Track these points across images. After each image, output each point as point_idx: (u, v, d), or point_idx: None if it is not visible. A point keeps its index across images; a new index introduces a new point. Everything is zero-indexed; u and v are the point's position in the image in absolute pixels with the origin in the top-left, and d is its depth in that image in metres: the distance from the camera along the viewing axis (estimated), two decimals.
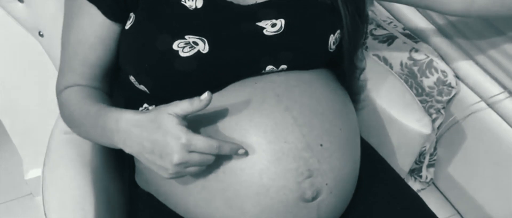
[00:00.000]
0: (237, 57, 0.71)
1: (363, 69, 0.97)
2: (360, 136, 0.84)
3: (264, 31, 0.72)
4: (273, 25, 0.72)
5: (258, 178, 0.68)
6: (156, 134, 0.61)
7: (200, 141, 0.61)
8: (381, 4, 1.52)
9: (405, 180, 1.19)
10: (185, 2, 0.70)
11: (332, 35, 0.76)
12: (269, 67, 0.73)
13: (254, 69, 0.72)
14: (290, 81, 0.73)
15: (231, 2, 0.72)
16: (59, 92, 0.79)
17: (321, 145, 0.70)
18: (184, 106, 0.61)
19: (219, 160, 0.68)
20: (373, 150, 0.94)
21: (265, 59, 0.72)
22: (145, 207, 0.83)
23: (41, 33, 0.88)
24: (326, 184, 0.70)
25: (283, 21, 0.72)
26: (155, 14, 0.69)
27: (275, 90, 0.71)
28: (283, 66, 0.73)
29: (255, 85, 0.71)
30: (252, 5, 0.73)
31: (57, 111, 0.91)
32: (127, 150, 0.65)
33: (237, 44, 0.71)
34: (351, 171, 0.75)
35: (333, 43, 0.77)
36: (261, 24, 0.72)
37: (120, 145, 0.66)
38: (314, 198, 0.70)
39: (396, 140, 0.98)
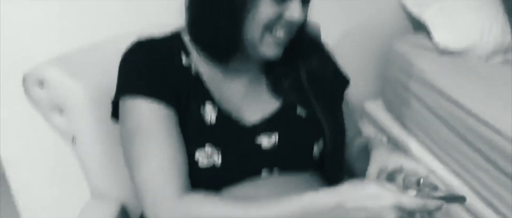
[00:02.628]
0: (241, 167, 0.86)
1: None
2: None
3: (262, 146, 0.88)
4: (269, 139, 0.88)
5: None
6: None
7: (410, 202, 0.72)
8: (368, 119, 1.71)
9: None
10: (205, 116, 0.86)
11: (316, 143, 0.92)
12: (264, 173, 0.88)
13: (253, 175, 0.87)
14: (280, 185, 0.87)
15: (236, 120, 0.89)
16: (172, 203, 0.79)
17: None
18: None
19: None
20: None
21: (262, 167, 0.88)
22: None
23: (74, 139, 1.04)
24: None
25: (276, 135, 0.89)
26: (184, 123, 0.84)
27: (268, 192, 0.85)
28: (276, 172, 0.89)
29: (253, 188, 0.86)
30: (252, 124, 0.90)
31: (75, 212, 1.03)
32: None
33: (242, 158, 0.87)
34: None
35: (318, 150, 0.92)
36: (259, 139, 0.88)
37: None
38: None
39: None
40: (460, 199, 0.81)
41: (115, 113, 0.90)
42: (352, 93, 1.66)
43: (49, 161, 1.39)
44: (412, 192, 0.76)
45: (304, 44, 0.95)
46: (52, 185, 1.44)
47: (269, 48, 0.86)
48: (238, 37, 0.84)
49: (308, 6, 0.87)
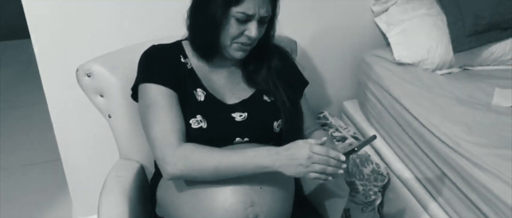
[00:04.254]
0: (220, 132, 1.22)
1: None
2: (301, 191, 1.31)
3: (235, 119, 1.24)
4: (241, 115, 1.24)
5: (222, 203, 1.14)
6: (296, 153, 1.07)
7: (317, 147, 1.06)
8: (346, 116, 2.06)
9: None
10: (197, 97, 1.23)
11: (275, 121, 1.26)
12: (237, 139, 1.23)
13: (229, 140, 1.23)
14: None
15: (219, 100, 1.25)
16: (174, 149, 1.12)
17: (260, 188, 1.17)
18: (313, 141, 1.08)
19: (203, 190, 1.17)
20: (309, 202, 1.42)
21: (235, 134, 1.23)
22: None
23: (110, 115, 1.43)
24: (262, 212, 1.15)
25: (246, 113, 1.25)
26: (183, 101, 1.20)
27: None
28: (246, 139, 1.24)
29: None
30: (230, 104, 1.26)
31: (108, 169, 1.39)
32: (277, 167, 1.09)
33: (221, 126, 1.22)
34: (282, 207, 1.20)
35: (277, 127, 1.27)
36: (234, 115, 1.24)
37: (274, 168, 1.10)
38: None
39: (325, 198, 1.44)
40: (372, 138, 1.13)
41: (134, 95, 1.27)
42: (333, 94, 2.03)
43: (91, 131, 1.78)
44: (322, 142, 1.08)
45: (269, 51, 1.32)
46: (92, 148, 1.82)
47: (236, 52, 1.23)
48: (216, 43, 1.22)
49: (264, 26, 1.23)
